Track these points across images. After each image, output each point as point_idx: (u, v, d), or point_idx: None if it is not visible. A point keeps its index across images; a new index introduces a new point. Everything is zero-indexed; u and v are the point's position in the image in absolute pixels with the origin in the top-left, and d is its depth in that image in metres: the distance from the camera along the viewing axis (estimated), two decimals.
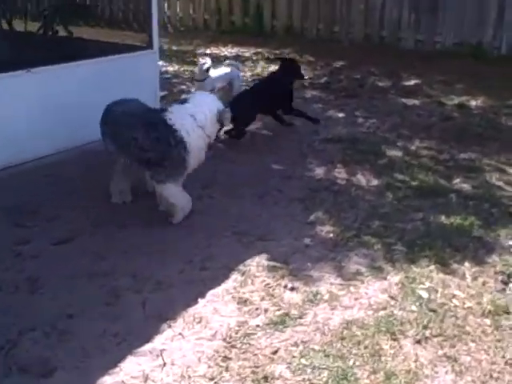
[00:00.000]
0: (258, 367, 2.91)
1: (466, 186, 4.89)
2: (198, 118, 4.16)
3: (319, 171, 5.23)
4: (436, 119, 6.54)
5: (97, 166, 5.00)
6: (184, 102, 4.31)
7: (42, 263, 3.78)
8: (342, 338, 3.08)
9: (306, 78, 6.48)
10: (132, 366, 2.95)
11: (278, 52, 9.70)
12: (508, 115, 6.56)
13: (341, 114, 6.65)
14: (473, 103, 7.02)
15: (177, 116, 4.15)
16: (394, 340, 3.08)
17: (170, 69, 8.95)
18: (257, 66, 8.95)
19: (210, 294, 3.50)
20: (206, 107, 4.24)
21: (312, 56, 9.41)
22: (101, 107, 4.36)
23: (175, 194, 4.24)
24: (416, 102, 7.13)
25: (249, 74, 8.50)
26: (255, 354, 3.00)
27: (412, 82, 7.89)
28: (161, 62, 9.19)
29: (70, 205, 4.46)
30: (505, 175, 5.10)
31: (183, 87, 7.90)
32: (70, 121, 5.20)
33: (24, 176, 4.89)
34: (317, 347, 3.03)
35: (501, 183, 4.95)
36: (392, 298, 3.44)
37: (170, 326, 3.23)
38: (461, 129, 6.18)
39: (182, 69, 8.94)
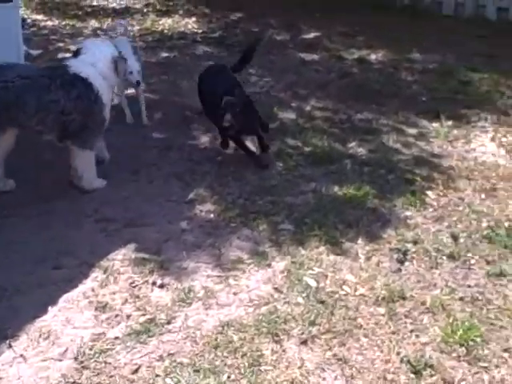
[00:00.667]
0: None
1: (362, 151, 4.51)
2: (99, 69, 3.77)
3: (204, 139, 4.71)
4: (334, 76, 6.09)
5: None
6: (78, 53, 3.85)
7: None
8: (216, 347, 2.62)
9: None
10: None
11: (170, 4, 8.96)
12: (408, 69, 6.22)
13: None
14: (373, 57, 6.63)
15: (86, 69, 3.71)
16: (277, 342, 2.65)
17: (49, 23, 8.03)
18: (146, 19, 8.18)
19: (63, 299, 2.95)
20: (102, 56, 3.83)
21: (207, 7, 8.74)
22: None
23: (88, 166, 3.85)
24: (315, 56, 6.65)
25: (137, 28, 7.74)
26: (111, 376, 2.49)
27: (311, 35, 7.40)
28: (40, 16, 8.36)
29: None
30: (402, 136, 4.75)
31: (61, 45, 7.07)
32: None
33: None
34: (185, 360, 2.55)
35: (398, 145, 4.60)
36: (276, 289, 3.00)
37: (10, 346, 2.66)
38: (359, 86, 5.77)
39: (64, 23, 8.04)
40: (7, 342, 2.67)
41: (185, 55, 6.62)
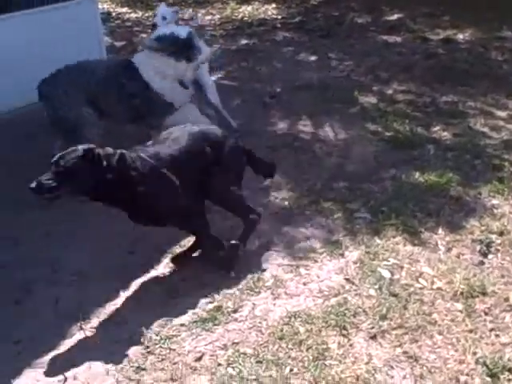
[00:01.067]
0: (174, 380, 2.40)
1: (447, 135, 4.27)
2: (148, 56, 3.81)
3: (282, 125, 4.63)
4: (418, 57, 5.84)
5: (28, 134, 4.35)
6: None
7: None
8: (281, 338, 2.55)
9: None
10: (28, 382, 2.46)
11: None
12: (498, 48, 5.85)
13: (313, 57, 5.97)
14: (460, 37, 6.30)
15: (137, 56, 3.88)
16: (344, 336, 2.55)
17: (133, 15, 8.21)
18: (226, 7, 8.17)
19: (135, 283, 2.98)
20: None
21: None
22: (34, 64, 3.97)
23: None
24: (398, 38, 6.41)
25: (217, 16, 7.76)
26: (175, 363, 2.49)
27: (395, 17, 7.14)
28: (124, 9, 8.57)
29: None
30: (491, 119, 4.46)
31: (144, 35, 7.18)
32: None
33: None
34: (249, 351, 2.51)
35: (486, 129, 4.32)
36: (348, 280, 2.89)
37: (81, 329, 2.72)
38: (445, 67, 5.49)
39: (147, 14, 8.19)
40: (79, 324, 2.74)
41: (264, 41, 6.56)
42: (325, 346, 2.49)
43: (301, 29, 6.95)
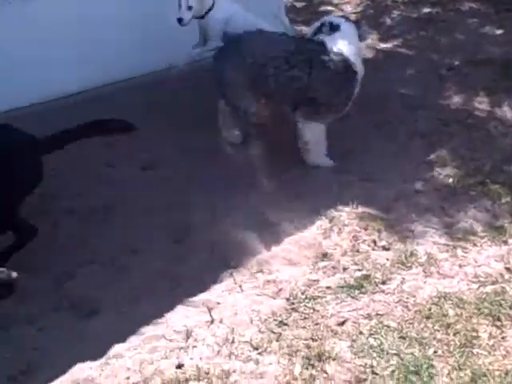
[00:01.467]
0: (315, 340, 2.42)
1: None
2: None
3: (456, 100, 4.37)
4: None
5: (187, 89, 4.43)
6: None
7: (122, 190, 3.50)
8: (428, 317, 2.47)
9: None
10: (178, 318, 2.62)
11: None
12: None
13: (499, 31, 5.52)
14: None
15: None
16: (497, 327, 2.41)
17: None
18: None
19: (288, 241, 3.03)
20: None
21: None
22: None
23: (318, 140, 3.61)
24: None
25: None
26: (317, 324, 2.51)
27: None
28: None
29: (157, 129, 3.90)
30: None
31: None
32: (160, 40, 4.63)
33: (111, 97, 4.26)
34: (393, 324, 2.46)
35: None
36: (508, 269, 2.72)
37: (231, 275, 2.84)
38: None
39: None
40: (230, 271, 2.85)
41: (448, 11, 6.16)
42: (474, 334, 2.37)
43: (489, 0, 6.45)
